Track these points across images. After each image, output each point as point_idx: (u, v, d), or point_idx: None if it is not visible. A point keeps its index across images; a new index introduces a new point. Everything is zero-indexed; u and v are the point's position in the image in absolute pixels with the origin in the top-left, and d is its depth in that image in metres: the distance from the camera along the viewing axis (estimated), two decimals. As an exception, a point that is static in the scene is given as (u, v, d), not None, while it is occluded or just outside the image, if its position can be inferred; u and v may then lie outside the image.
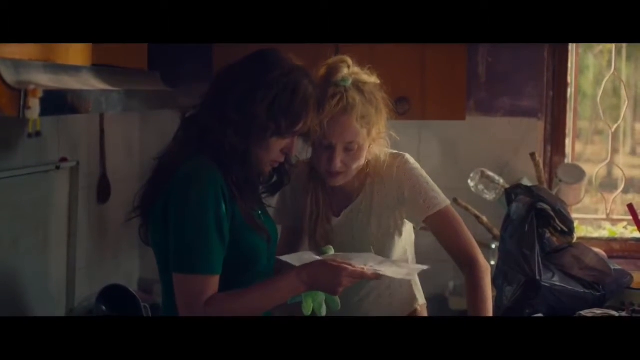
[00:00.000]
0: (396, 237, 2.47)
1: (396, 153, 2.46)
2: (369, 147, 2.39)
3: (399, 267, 2.25)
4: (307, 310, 2.18)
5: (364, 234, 2.43)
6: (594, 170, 3.86)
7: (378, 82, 2.40)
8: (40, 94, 1.92)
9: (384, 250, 2.42)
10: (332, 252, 2.23)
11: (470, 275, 2.36)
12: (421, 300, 2.59)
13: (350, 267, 2.09)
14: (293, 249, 2.52)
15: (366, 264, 2.14)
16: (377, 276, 2.13)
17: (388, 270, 2.16)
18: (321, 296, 2.18)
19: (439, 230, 2.42)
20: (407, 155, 2.46)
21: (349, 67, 2.35)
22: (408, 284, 2.54)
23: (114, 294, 2.99)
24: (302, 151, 2.36)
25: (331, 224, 2.47)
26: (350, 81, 2.32)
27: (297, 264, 2.12)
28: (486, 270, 2.36)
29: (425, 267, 2.29)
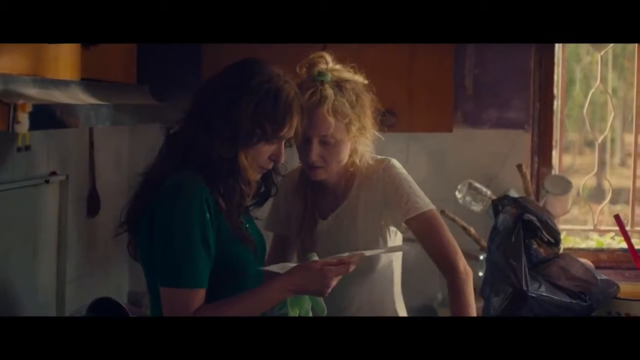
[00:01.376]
0: (381, 243, 2.47)
1: (383, 158, 2.49)
2: (353, 144, 2.41)
3: (377, 249, 2.30)
4: None
5: (351, 238, 2.44)
6: (586, 183, 3.88)
7: (363, 81, 2.43)
8: (29, 108, 1.92)
9: (370, 256, 2.42)
10: (315, 258, 2.25)
11: (450, 280, 2.39)
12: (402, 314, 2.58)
13: (333, 267, 2.11)
14: (283, 256, 2.53)
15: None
16: (357, 261, 2.15)
17: (367, 252, 2.19)
18: (307, 304, 2.20)
19: (421, 235, 2.44)
20: (394, 160, 2.49)
21: (327, 63, 2.40)
22: (391, 298, 2.54)
23: (103, 307, 2.98)
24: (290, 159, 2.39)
25: (318, 227, 2.49)
26: (328, 77, 2.36)
27: (281, 272, 2.14)
28: (466, 276, 2.38)
29: (402, 247, 2.39)
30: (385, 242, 2.47)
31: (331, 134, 2.36)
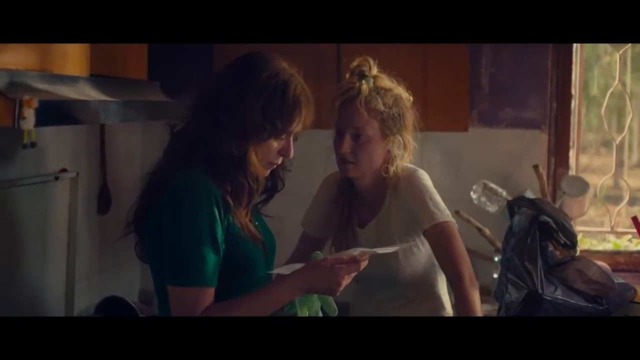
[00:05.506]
0: (422, 248, 2.53)
1: (410, 167, 2.55)
2: (391, 153, 2.47)
3: (389, 246, 2.29)
4: None
5: (389, 246, 2.45)
6: (599, 183, 3.83)
7: (407, 96, 2.51)
8: (35, 104, 1.90)
9: (409, 262, 2.50)
10: (321, 257, 2.22)
11: (455, 290, 2.43)
12: (448, 309, 2.65)
13: (344, 266, 2.07)
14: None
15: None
16: (367, 259, 2.12)
17: (379, 250, 2.18)
18: (317, 304, 2.18)
19: (433, 244, 2.48)
20: (420, 170, 2.55)
21: (370, 66, 2.48)
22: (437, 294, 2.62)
23: (112, 306, 2.97)
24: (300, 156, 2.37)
25: (357, 236, 2.55)
26: (369, 80, 2.46)
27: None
28: (471, 285, 2.41)
29: (410, 243, 2.43)
30: (424, 247, 2.53)
31: (363, 128, 2.44)
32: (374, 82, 2.47)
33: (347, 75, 2.50)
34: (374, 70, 2.49)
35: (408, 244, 2.42)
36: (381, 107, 2.44)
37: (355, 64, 2.49)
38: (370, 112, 2.43)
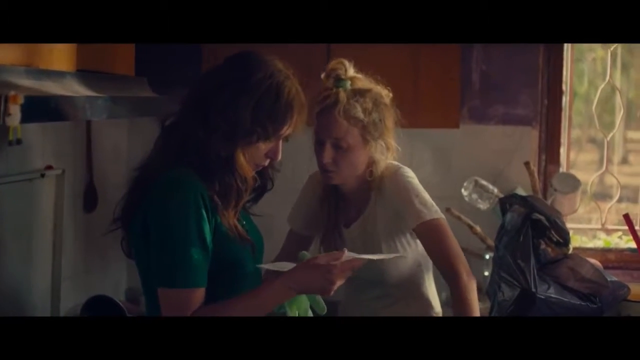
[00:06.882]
0: (408, 249, 2.50)
1: (394, 164, 2.50)
2: (373, 157, 2.42)
3: (379, 254, 2.28)
4: None
5: (374, 245, 2.46)
6: (588, 179, 3.82)
7: (387, 94, 2.45)
8: (21, 100, 1.87)
9: (395, 262, 2.46)
10: (308, 257, 2.19)
11: (452, 288, 2.40)
12: (437, 308, 2.62)
13: (337, 264, 2.04)
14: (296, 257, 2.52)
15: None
16: (361, 262, 2.10)
17: (371, 256, 2.16)
18: (305, 303, 2.16)
19: (425, 243, 2.45)
20: (404, 168, 2.50)
21: (345, 69, 2.41)
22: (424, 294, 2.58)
23: (99, 305, 2.94)
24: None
25: (342, 235, 2.52)
26: (346, 84, 2.39)
27: (279, 270, 2.09)
28: (469, 284, 2.38)
29: (399, 255, 2.39)
30: (410, 246, 2.50)
31: (343, 138, 2.38)
32: (351, 85, 2.40)
33: (323, 77, 2.44)
34: (350, 72, 2.42)
35: (398, 255, 2.39)
36: (361, 115, 2.38)
37: (329, 67, 2.43)
38: (350, 120, 2.37)
